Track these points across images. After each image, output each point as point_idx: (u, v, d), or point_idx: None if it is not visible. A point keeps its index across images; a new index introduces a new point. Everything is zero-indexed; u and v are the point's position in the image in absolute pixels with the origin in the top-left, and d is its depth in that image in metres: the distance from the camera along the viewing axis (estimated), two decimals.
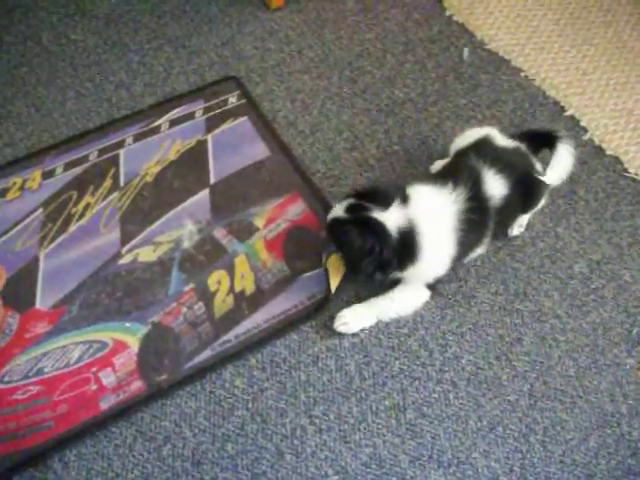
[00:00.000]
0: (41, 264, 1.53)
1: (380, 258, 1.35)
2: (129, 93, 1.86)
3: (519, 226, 1.62)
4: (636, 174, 1.77)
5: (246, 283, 1.51)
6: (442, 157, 1.70)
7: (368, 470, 1.33)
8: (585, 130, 1.85)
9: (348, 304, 1.49)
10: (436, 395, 1.42)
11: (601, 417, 1.43)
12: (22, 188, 1.65)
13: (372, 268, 1.38)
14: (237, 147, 1.73)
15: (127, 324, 1.45)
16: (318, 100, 1.86)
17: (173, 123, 1.77)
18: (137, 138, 1.74)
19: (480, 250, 1.52)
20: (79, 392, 1.37)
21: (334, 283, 1.49)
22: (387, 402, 1.40)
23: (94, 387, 1.38)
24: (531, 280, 1.58)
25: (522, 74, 1.96)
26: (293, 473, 1.32)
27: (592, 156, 1.81)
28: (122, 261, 1.53)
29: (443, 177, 1.46)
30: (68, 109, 1.82)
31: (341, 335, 1.46)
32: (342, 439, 1.36)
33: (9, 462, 1.30)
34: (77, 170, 1.68)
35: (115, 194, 1.64)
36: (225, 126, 1.77)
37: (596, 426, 1.42)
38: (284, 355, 1.45)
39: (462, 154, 1.52)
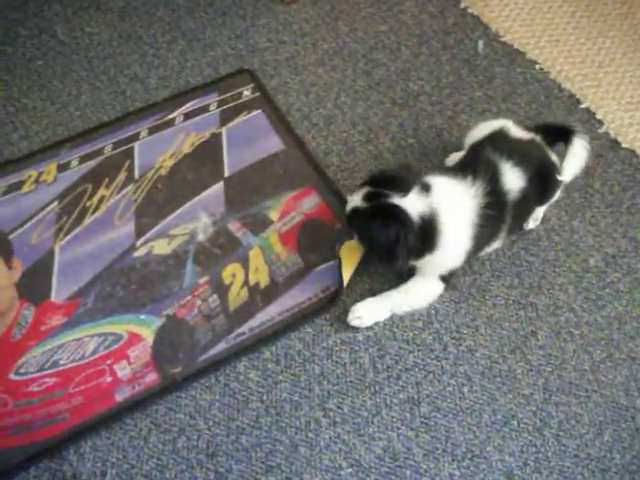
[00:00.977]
0: (56, 257, 1.54)
1: (406, 244, 1.33)
2: (143, 86, 1.86)
3: (534, 219, 1.61)
4: None
5: (260, 276, 1.52)
6: (457, 150, 1.69)
7: (382, 463, 1.33)
8: (601, 123, 1.84)
9: (362, 298, 1.49)
10: (450, 388, 1.42)
11: (616, 411, 1.42)
12: (37, 181, 1.65)
13: (405, 254, 1.36)
14: (251, 140, 1.73)
15: (142, 316, 1.46)
16: (332, 93, 1.85)
17: (187, 116, 1.77)
18: (152, 131, 1.74)
19: (496, 244, 1.51)
20: (94, 384, 1.38)
21: (347, 274, 1.49)
22: (401, 395, 1.40)
23: (109, 379, 1.39)
24: (546, 274, 1.57)
25: (537, 67, 1.95)
26: (307, 466, 1.32)
27: (607, 149, 1.80)
28: (137, 254, 1.54)
29: (461, 170, 1.44)
30: (83, 102, 1.83)
31: (355, 328, 1.46)
32: (356, 432, 1.36)
33: (24, 454, 1.31)
34: (92, 163, 1.68)
35: (130, 187, 1.64)
36: (239, 119, 1.77)
37: (611, 420, 1.42)
38: (298, 348, 1.45)
39: (478, 147, 1.51)
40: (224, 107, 1.79)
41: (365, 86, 1.88)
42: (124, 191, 1.64)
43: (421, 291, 1.49)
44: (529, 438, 1.38)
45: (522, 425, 1.39)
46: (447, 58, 1.95)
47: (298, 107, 1.82)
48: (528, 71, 1.94)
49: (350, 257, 1.52)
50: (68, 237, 1.57)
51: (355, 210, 1.39)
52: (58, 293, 1.49)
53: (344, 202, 1.48)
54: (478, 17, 2.05)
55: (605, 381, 1.46)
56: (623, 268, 1.60)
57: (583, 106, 1.86)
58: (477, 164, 1.44)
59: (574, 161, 1.55)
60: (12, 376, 1.38)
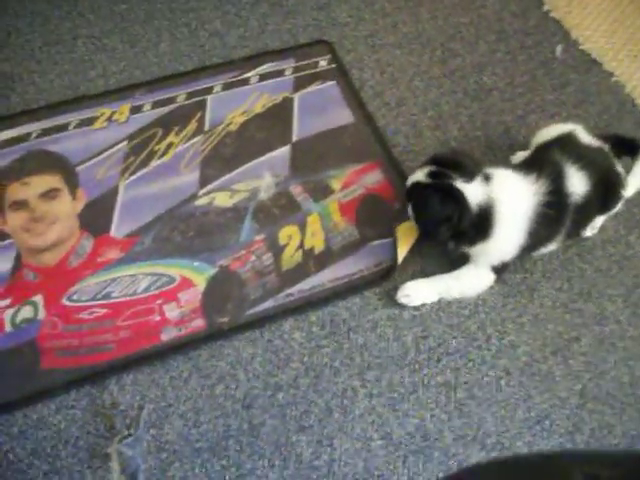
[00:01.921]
0: (120, 194, 1.57)
1: (457, 226, 1.36)
2: (222, 42, 1.88)
3: (592, 228, 1.60)
4: None
5: (316, 242, 1.53)
6: (523, 149, 1.69)
7: (412, 440, 1.34)
8: None
9: (413, 277, 1.50)
10: (488, 379, 1.42)
11: None
12: (110, 119, 1.69)
13: (448, 235, 1.40)
14: (322, 109, 1.74)
15: (196, 263, 1.48)
16: (407, 75, 1.86)
17: (262, 77, 1.79)
18: (226, 87, 1.77)
19: (552, 246, 1.51)
20: (143, 320, 1.41)
21: (402, 253, 1.50)
22: (439, 378, 1.41)
23: (157, 318, 1.42)
24: (597, 282, 1.57)
25: (613, 79, 1.93)
26: (339, 431, 1.34)
27: None
28: (198, 202, 1.57)
29: (526, 167, 1.45)
30: (161, 50, 1.86)
31: (402, 306, 1.47)
32: (391, 407, 1.37)
33: (69, 376, 1.35)
34: (164, 109, 1.71)
35: (199, 137, 1.67)
36: (313, 87, 1.79)
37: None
38: (344, 317, 1.46)
39: (545, 148, 1.51)
40: (299, 74, 1.81)
41: (440, 74, 1.88)
42: (193, 140, 1.66)
43: (472, 279, 1.50)
44: (560, 440, 1.38)
45: (555, 426, 1.39)
46: (524, 58, 1.94)
47: (371, 84, 1.83)
48: (603, 82, 1.93)
49: (406, 237, 1.53)
50: (133, 177, 1.60)
51: (417, 184, 1.42)
52: (118, 229, 1.52)
53: (406, 179, 1.50)
54: (560, 22, 2.04)
55: None
56: None
57: None
58: (542, 163, 1.45)
59: (639, 176, 1.55)
60: (64, 301, 1.42)
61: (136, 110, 1.71)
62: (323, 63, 1.84)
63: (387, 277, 1.50)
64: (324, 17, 1.96)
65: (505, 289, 1.53)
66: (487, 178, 1.39)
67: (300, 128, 1.71)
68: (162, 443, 1.31)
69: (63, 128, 1.66)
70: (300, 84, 1.79)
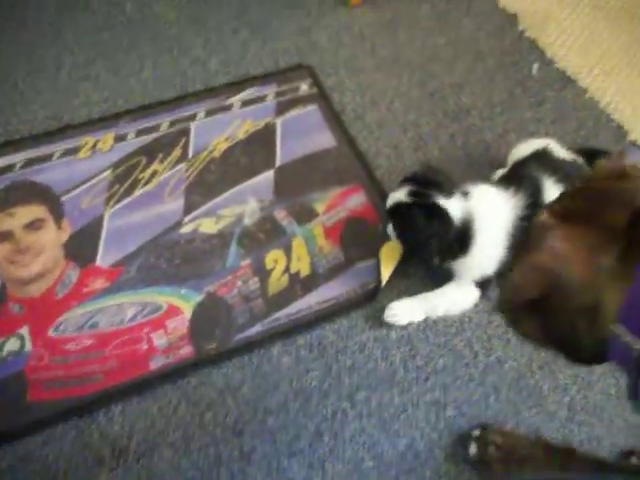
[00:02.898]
0: (105, 223, 1.57)
1: (442, 242, 1.39)
2: (204, 69, 1.91)
3: None
4: None
5: (302, 265, 1.54)
6: (503, 166, 1.72)
7: (404, 460, 1.34)
8: None
9: (399, 298, 1.51)
10: (477, 396, 1.43)
11: (638, 439, 1.43)
12: (94, 148, 1.70)
13: (435, 251, 1.42)
14: (305, 134, 1.77)
15: (182, 290, 1.49)
16: (387, 98, 1.89)
17: (245, 103, 1.82)
18: (209, 113, 1.79)
19: None
20: (130, 349, 1.41)
21: (386, 273, 1.52)
22: (428, 397, 1.42)
23: (145, 347, 1.42)
24: None
25: (588, 95, 1.97)
26: (330, 454, 1.34)
27: None
28: (183, 230, 1.58)
29: (505, 182, 1.48)
30: (144, 77, 1.88)
31: (389, 326, 1.48)
32: (381, 427, 1.38)
33: (56, 408, 1.34)
34: (148, 137, 1.73)
35: (182, 164, 1.68)
36: (295, 112, 1.81)
37: (632, 446, 1.42)
38: (332, 339, 1.47)
39: (522, 163, 1.55)
40: (281, 99, 1.83)
41: (419, 95, 1.91)
42: (177, 168, 1.68)
43: (457, 295, 1.51)
44: None
45: None
46: (501, 77, 1.98)
47: (352, 107, 1.85)
48: (578, 98, 1.96)
49: (389, 258, 1.54)
50: (118, 206, 1.60)
51: (398, 204, 1.44)
52: (103, 258, 1.52)
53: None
54: (534, 41, 2.08)
55: (629, 409, 1.46)
56: None
57: (631, 138, 1.88)
58: (520, 178, 1.48)
59: None
60: (51, 332, 1.42)
61: (120, 139, 1.72)
62: (304, 87, 1.86)
63: (373, 298, 1.51)
64: (304, 42, 1.99)
65: (490, 306, 1.54)
66: (465, 194, 1.42)
67: (283, 153, 1.73)
68: (152, 473, 1.30)
69: (47, 158, 1.67)
70: (282, 109, 1.81)
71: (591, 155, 1.58)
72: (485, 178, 1.72)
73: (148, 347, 1.41)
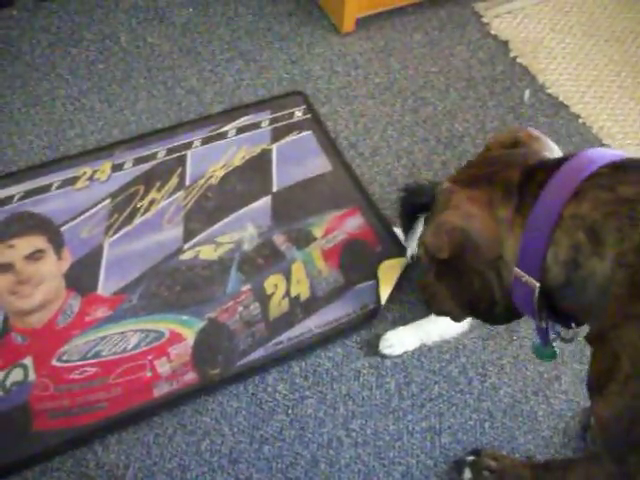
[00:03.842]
0: (105, 252, 1.59)
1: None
2: (199, 99, 1.94)
3: None
4: None
5: (301, 289, 1.57)
6: None
7: None
8: None
9: (393, 326, 1.53)
10: (472, 423, 1.45)
11: None
12: (91, 178, 1.72)
13: None
14: (300, 159, 1.80)
15: (184, 317, 1.51)
16: (380, 125, 1.92)
17: (240, 130, 1.85)
18: (205, 141, 1.81)
19: None
20: (134, 377, 1.42)
21: (385, 292, 1.55)
22: (424, 424, 1.43)
23: (149, 374, 1.43)
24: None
25: (580, 120, 2.01)
26: None
27: None
28: (183, 257, 1.60)
29: None
30: (139, 108, 1.91)
31: (384, 354, 1.50)
32: (377, 455, 1.39)
33: (62, 437, 1.35)
34: (145, 166, 1.75)
35: (180, 192, 1.71)
36: (290, 138, 1.84)
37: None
38: (327, 367, 1.49)
39: None
40: (276, 125, 1.87)
41: (412, 122, 1.94)
42: (175, 196, 1.70)
43: (450, 320, 1.53)
44: None
45: None
46: (493, 104, 2.01)
47: (346, 135, 1.88)
48: (571, 124, 2.00)
49: (388, 276, 1.57)
50: (117, 235, 1.63)
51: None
52: (104, 287, 1.54)
53: (385, 223, 1.62)
54: (526, 67, 2.12)
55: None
56: None
57: None
58: None
59: None
60: (54, 362, 1.43)
61: (117, 168, 1.74)
62: (298, 113, 1.89)
63: (374, 318, 1.54)
64: (297, 70, 2.03)
65: (484, 332, 1.56)
66: None
67: (279, 178, 1.76)
68: None
69: (45, 189, 1.69)
70: (277, 135, 1.85)
71: None
72: None
73: (152, 374, 1.43)
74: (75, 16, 2.14)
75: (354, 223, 1.69)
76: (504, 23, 2.25)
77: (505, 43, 2.18)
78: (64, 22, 2.12)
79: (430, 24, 2.21)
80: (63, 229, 1.62)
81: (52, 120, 1.87)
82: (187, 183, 1.73)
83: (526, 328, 1.58)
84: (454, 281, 1.02)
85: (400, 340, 1.50)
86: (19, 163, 1.77)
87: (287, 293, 1.56)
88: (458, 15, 2.25)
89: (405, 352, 1.51)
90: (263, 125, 1.87)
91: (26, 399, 1.38)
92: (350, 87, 2.01)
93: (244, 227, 1.66)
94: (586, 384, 0.88)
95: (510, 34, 2.21)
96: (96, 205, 1.67)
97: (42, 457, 1.32)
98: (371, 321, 1.54)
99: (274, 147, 1.82)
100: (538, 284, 0.84)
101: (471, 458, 1.35)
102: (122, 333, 1.47)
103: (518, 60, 2.14)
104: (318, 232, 1.66)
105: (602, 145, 1.95)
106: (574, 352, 1.56)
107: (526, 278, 0.85)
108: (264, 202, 1.71)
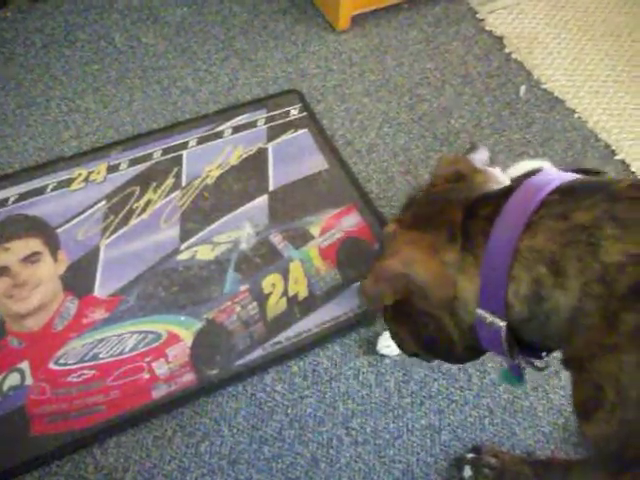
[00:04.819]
0: (101, 254, 1.59)
1: None
2: (194, 99, 1.93)
3: None
4: None
5: (299, 288, 1.57)
6: None
7: None
8: (635, 175, 1.88)
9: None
10: (472, 419, 1.45)
11: None
12: (87, 180, 1.71)
13: None
14: (297, 157, 1.79)
15: (182, 318, 1.50)
16: (376, 123, 1.92)
17: (236, 130, 1.84)
18: (200, 141, 1.81)
19: None
20: (132, 379, 1.42)
21: None
22: (423, 421, 1.43)
23: (147, 376, 1.42)
24: None
25: (575, 115, 2.00)
26: None
27: None
28: (180, 257, 1.59)
29: None
30: (134, 108, 1.90)
31: None
32: (377, 453, 1.39)
33: (60, 441, 1.34)
34: (141, 167, 1.74)
35: (177, 193, 1.70)
36: (286, 136, 1.84)
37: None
38: (326, 365, 1.48)
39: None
40: (271, 124, 1.86)
41: (408, 119, 1.94)
42: (171, 196, 1.69)
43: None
44: None
45: None
46: (489, 99, 2.01)
47: (342, 133, 1.88)
48: (566, 119, 1.99)
49: None
50: (114, 236, 1.62)
51: None
52: (101, 289, 1.53)
53: (382, 221, 1.58)
54: (521, 63, 2.12)
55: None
56: None
57: (618, 157, 1.91)
58: None
59: None
60: (52, 365, 1.42)
61: (113, 169, 1.74)
62: (294, 112, 1.89)
63: (372, 316, 1.53)
64: (293, 69, 2.02)
65: None
66: None
67: (276, 177, 1.75)
68: None
69: (41, 191, 1.68)
70: (273, 134, 1.84)
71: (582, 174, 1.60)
72: None
73: (150, 376, 1.42)
74: (69, 17, 2.13)
75: (351, 221, 1.68)
76: (499, 19, 2.25)
77: (500, 39, 2.18)
78: (58, 23, 2.11)
79: (425, 21, 2.21)
80: (59, 231, 1.61)
81: (47, 121, 1.86)
82: (183, 183, 1.72)
83: None
84: (409, 324, 0.99)
85: None
86: (14, 165, 1.76)
87: (285, 292, 1.55)
88: (453, 11, 2.25)
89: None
90: (259, 124, 1.86)
91: (23, 403, 1.38)
92: (346, 85, 2.00)
93: (241, 226, 1.65)
94: (572, 410, 0.87)
95: (505, 30, 2.21)
96: (92, 206, 1.66)
97: (40, 461, 1.32)
98: (369, 319, 1.54)
99: (270, 146, 1.82)
100: (503, 323, 0.82)
101: (471, 455, 1.35)
102: (120, 335, 1.47)
103: (513, 56, 2.14)
104: (315, 231, 1.66)
105: (598, 140, 1.95)
106: None
107: (490, 319, 0.82)
108: (261, 201, 1.71)
